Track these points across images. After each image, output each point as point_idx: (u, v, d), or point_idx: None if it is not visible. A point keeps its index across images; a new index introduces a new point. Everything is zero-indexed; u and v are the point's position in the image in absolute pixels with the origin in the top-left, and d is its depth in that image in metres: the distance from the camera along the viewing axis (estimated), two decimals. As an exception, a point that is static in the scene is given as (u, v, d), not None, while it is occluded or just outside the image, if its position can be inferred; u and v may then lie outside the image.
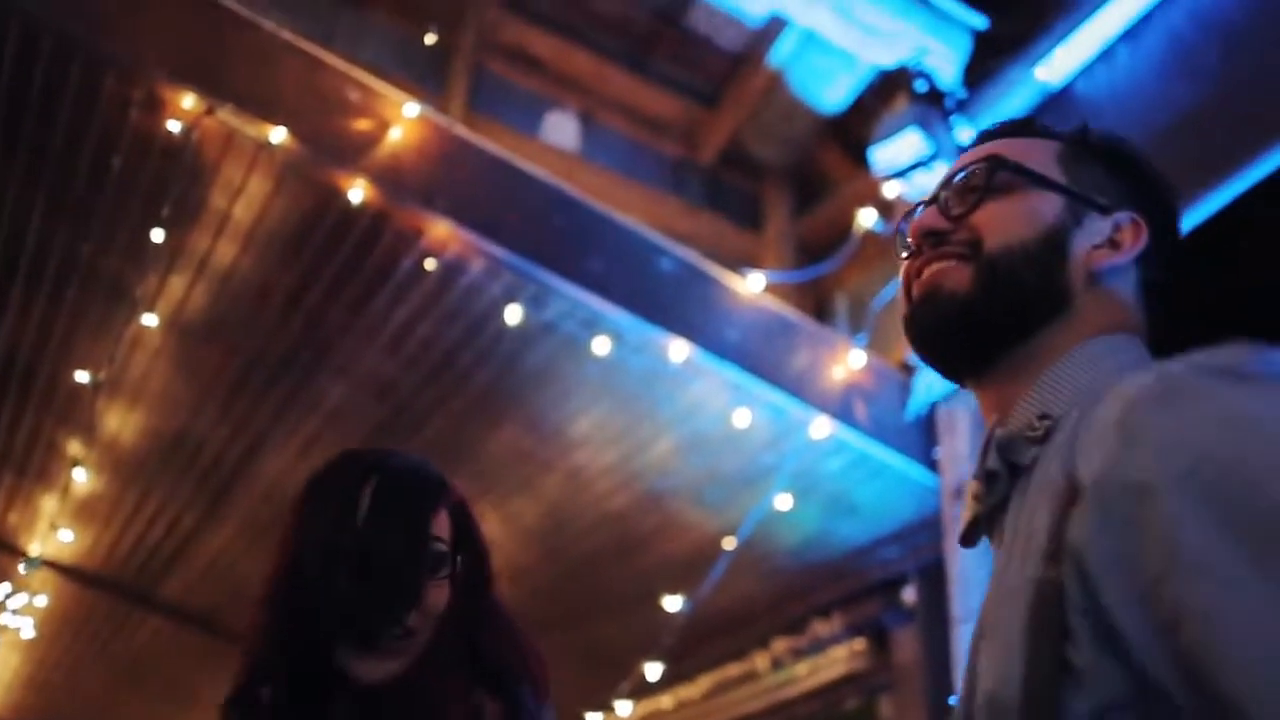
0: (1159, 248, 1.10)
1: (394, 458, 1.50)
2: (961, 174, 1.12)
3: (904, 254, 1.15)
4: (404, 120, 3.70)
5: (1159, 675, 0.76)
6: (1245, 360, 0.82)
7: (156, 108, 3.44)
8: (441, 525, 1.45)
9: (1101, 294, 1.06)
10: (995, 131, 1.19)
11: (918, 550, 4.59)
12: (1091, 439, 0.86)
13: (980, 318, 1.05)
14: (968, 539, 1.07)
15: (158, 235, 3.64)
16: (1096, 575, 0.80)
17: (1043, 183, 1.09)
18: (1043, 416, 0.99)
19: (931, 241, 1.10)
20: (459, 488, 1.55)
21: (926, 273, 1.09)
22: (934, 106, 4.36)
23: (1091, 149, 1.14)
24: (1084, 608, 0.81)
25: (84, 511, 5.27)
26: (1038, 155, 1.12)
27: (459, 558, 1.47)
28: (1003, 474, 1.01)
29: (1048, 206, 1.08)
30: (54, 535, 5.16)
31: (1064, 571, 0.83)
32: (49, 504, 5.20)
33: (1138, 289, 1.09)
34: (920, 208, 1.14)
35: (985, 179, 1.09)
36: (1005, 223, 1.07)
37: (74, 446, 4.72)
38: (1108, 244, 1.07)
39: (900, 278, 1.14)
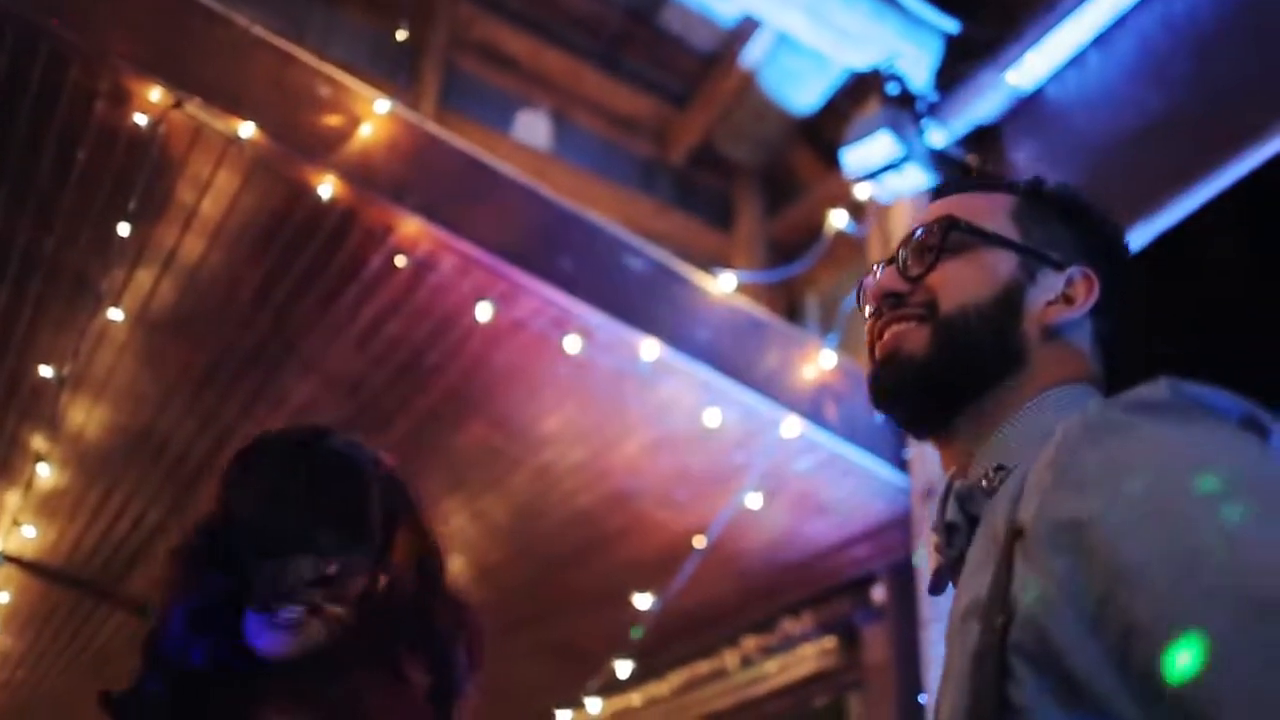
0: (1112, 299, 1.12)
1: (329, 438, 1.49)
2: (918, 234, 1.14)
3: (867, 314, 1.18)
4: (374, 116, 3.68)
5: (1122, 709, 0.77)
6: (1162, 394, 0.86)
7: (122, 100, 3.40)
8: (370, 507, 1.43)
9: (1056, 348, 1.09)
10: (952, 186, 1.22)
11: (888, 549, 4.60)
12: (1029, 487, 0.89)
13: (937, 379, 1.08)
14: (935, 588, 1.10)
15: (123, 229, 3.60)
16: (1044, 614, 0.82)
17: (997, 241, 1.11)
18: (998, 468, 1.01)
19: (890, 302, 1.13)
20: (391, 465, 1.53)
21: (887, 334, 1.13)
22: (905, 109, 4.37)
23: (1045, 202, 1.17)
24: (1030, 650, 0.83)
25: (47, 507, 5.21)
26: (992, 211, 1.14)
27: (385, 537, 1.45)
28: (962, 525, 1.03)
29: (1002, 264, 1.11)
30: (16, 531, 5.10)
31: (1008, 614, 0.85)
32: (12, 499, 5.14)
33: (1093, 340, 1.12)
34: (880, 267, 1.17)
35: (940, 239, 1.11)
36: (960, 283, 1.10)
37: (37, 441, 4.67)
38: (1061, 299, 1.10)
39: (865, 337, 1.18)
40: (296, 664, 1.34)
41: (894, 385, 1.12)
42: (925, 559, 3.89)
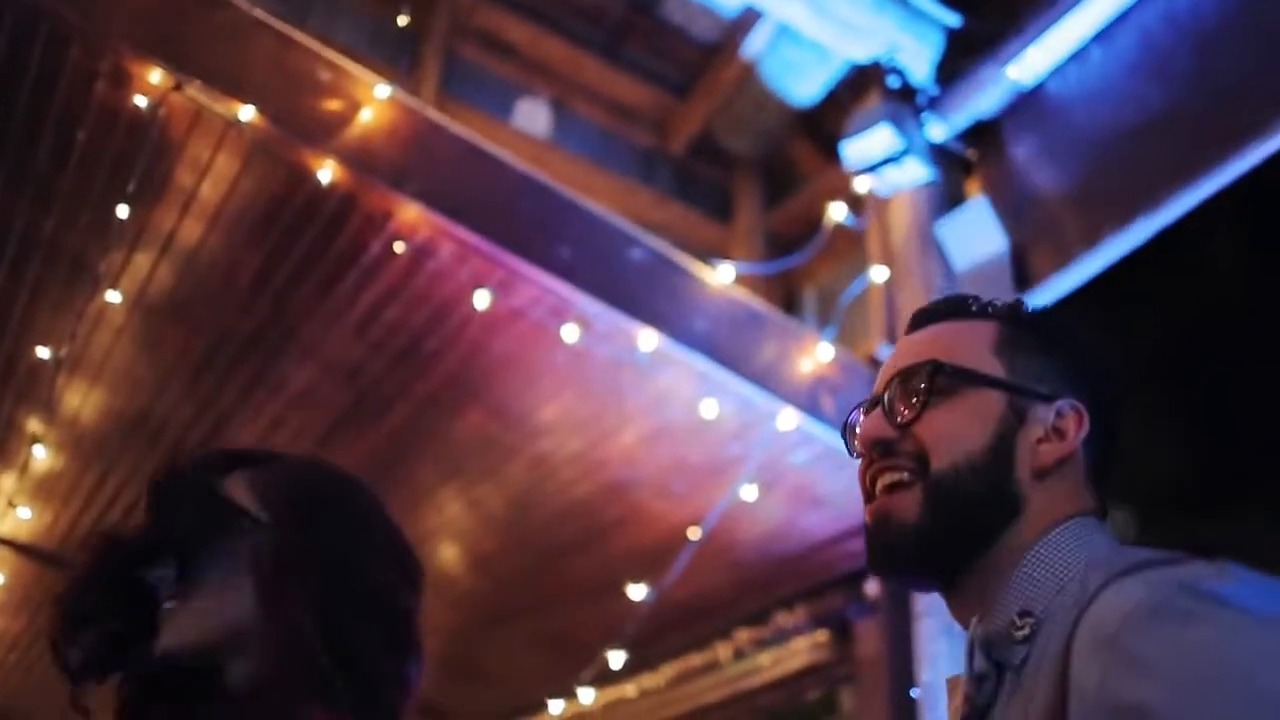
0: (1102, 428, 1.11)
1: (201, 453, 1.45)
2: (901, 377, 1.12)
3: (855, 456, 1.17)
4: (375, 102, 3.67)
5: None
6: (1229, 585, 0.86)
7: (123, 82, 3.39)
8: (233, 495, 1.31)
9: (1051, 485, 1.08)
10: (934, 313, 1.20)
11: (881, 543, 4.60)
12: (1084, 651, 0.88)
13: (933, 545, 1.07)
14: None
15: (122, 212, 3.59)
16: None
17: (984, 382, 1.10)
18: (1023, 614, 1.00)
19: (879, 450, 1.12)
20: (287, 459, 1.40)
21: (878, 489, 1.12)
22: (906, 103, 4.37)
23: (1027, 330, 1.15)
24: None
25: (42, 489, 5.21)
26: (975, 345, 1.13)
27: (278, 533, 1.29)
28: (991, 675, 1.02)
29: (991, 406, 1.09)
30: (11, 513, 5.10)
31: None
32: (7, 481, 5.13)
33: (1085, 469, 1.10)
34: (865, 408, 1.15)
35: (926, 385, 1.09)
36: (950, 435, 1.08)
37: (33, 424, 4.66)
38: (1052, 433, 1.09)
39: (858, 479, 1.17)
40: (172, 667, 1.23)
41: (889, 554, 1.11)
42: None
